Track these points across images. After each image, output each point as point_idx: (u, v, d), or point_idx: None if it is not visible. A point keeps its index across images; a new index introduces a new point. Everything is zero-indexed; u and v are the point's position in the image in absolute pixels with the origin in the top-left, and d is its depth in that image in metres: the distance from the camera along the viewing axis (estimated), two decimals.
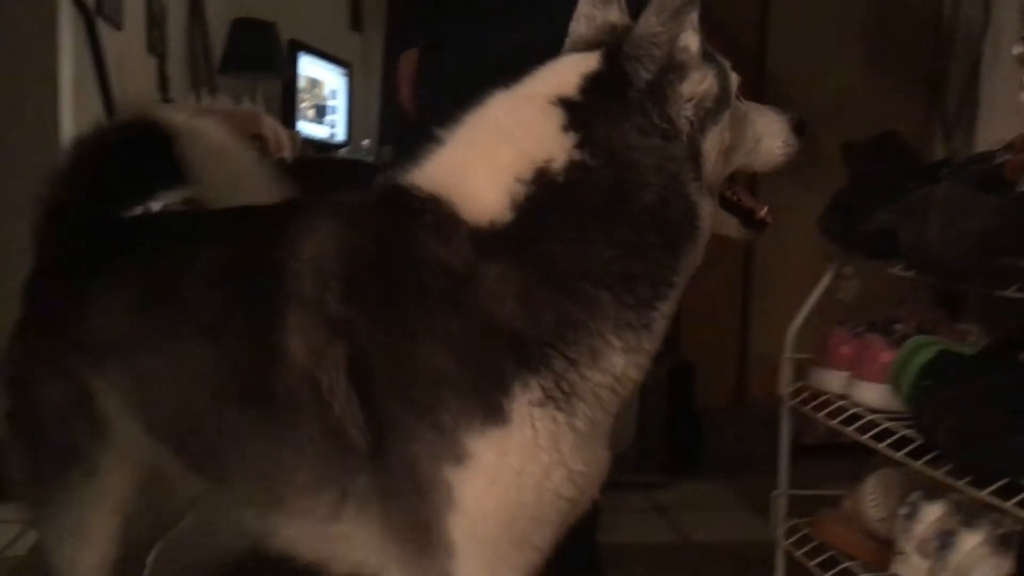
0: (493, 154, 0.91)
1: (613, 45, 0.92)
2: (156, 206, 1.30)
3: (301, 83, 4.48)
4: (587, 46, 0.96)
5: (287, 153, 3.80)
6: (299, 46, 4.44)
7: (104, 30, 2.87)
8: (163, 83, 3.51)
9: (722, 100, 0.93)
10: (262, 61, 4.23)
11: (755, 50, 2.49)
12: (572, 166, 0.87)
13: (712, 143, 0.92)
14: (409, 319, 0.86)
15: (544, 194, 0.87)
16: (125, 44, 3.21)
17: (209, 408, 0.96)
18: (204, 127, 1.15)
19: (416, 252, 0.87)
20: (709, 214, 0.93)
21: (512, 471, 0.84)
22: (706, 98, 0.91)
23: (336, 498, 0.89)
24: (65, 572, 1.09)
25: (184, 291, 1.00)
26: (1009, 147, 1.36)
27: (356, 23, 4.89)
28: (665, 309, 0.92)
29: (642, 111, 0.89)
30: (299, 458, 0.90)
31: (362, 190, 1.00)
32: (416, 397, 0.85)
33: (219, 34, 4.31)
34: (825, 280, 1.68)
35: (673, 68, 0.89)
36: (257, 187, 1.17)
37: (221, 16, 4.35)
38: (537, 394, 0.86)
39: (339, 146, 4.86)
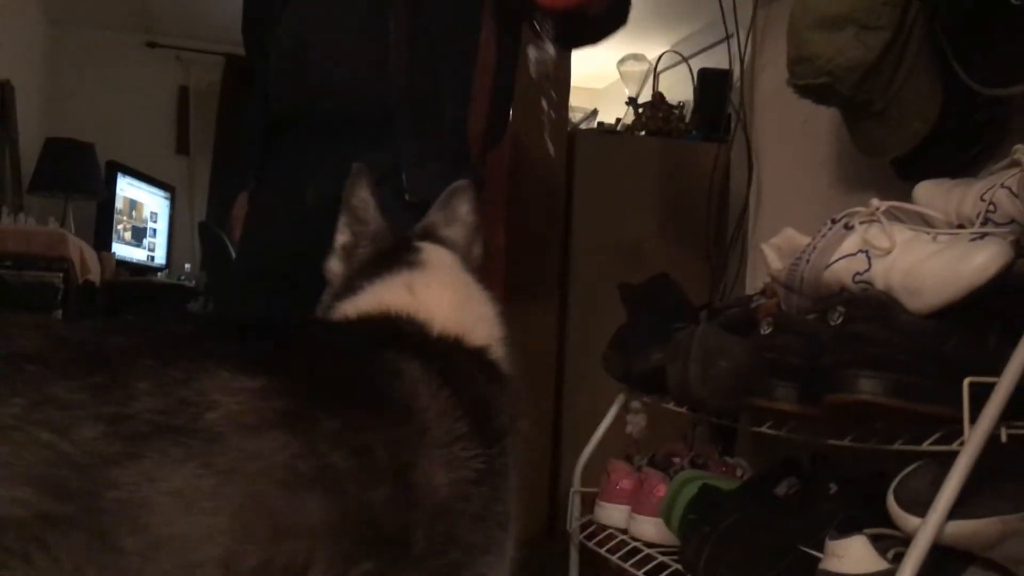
0: (483, 315, 1.04)
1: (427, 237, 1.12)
2: None
3: (119, 204, 4.36)
4: (375, 246, 1.11)
5: (94, 276, 3.64)
6: (118, 167, 4.35)
7: None
8: None
9: None
10: (76, 181, 4.10)
11: (564, 195, 2.62)
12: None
13: None
14: (503, 457, 0.92)
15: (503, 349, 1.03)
16: None
17: None
18: None
19: (498, 398, 0.96)
20: None
21: None
22: None
23: None
24: None
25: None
26: (763, 292, 1.47)
27: (182, 146, 4.84)
28: None
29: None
30: None
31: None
32: (496, 523, 0.89)
33: (32, 152, 4.16)
34: (611, 414, 1.73)
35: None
36: None
37: (35, 134, 4.22)
38: None
39: (158, 269, 4.71)
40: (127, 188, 4.43)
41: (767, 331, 1.23)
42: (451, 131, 1.49)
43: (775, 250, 1.31)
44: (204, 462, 0.72)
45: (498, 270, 2.62)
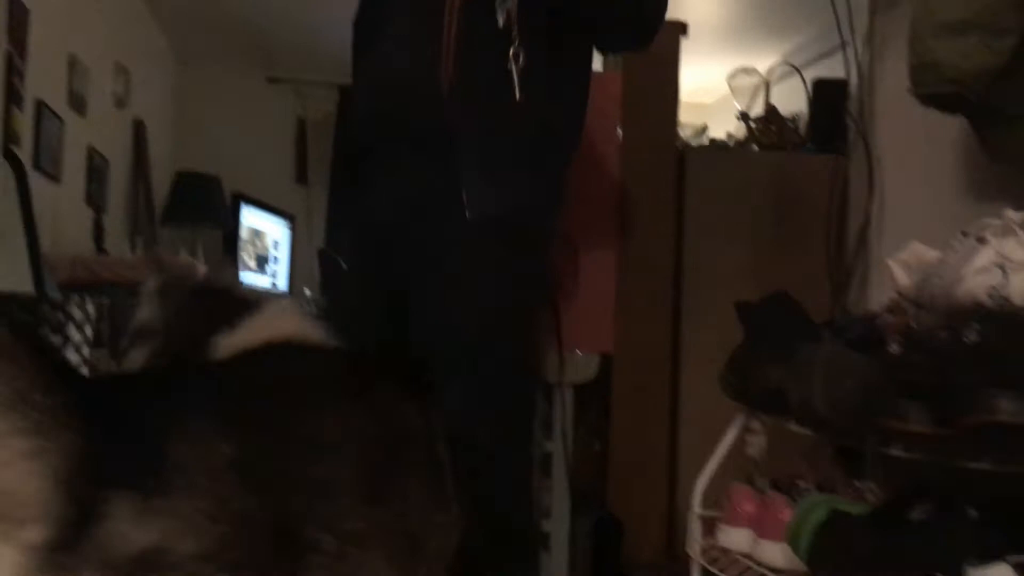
0: None
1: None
2: None
3: (243, 234, 4.54)
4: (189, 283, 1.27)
5: None
6: (242, 198, 4.54)
7: (40, 183, 2.91)
8: (98, 234, 3.53)
9: None
10: (204, 212, 4.30)
11: (674, 213, 2.59)
12: None
13: None
14: None
15: None
16: (62, 196, 3.25)
17: None
18: None
19: None
20: None
21: None
22: None
23: None
24: None
25: None
26: (889, 310, 1.41)
27: (301, 176, 5.01)
28: None
29: None
30: None
31: None
32: None
33: (163, 186, 4.39)
34: (730, 435, 1.69)
35: None
36: None
37: (165, 168, 4.45)
38: None
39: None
40: (251, 218, 4.61)
41: (896, 349, 1.18)
42: (512, 148, 1.51)
43: (902, 266, 1.26)
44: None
45: (609, 288, 2.61)
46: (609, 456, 2.59)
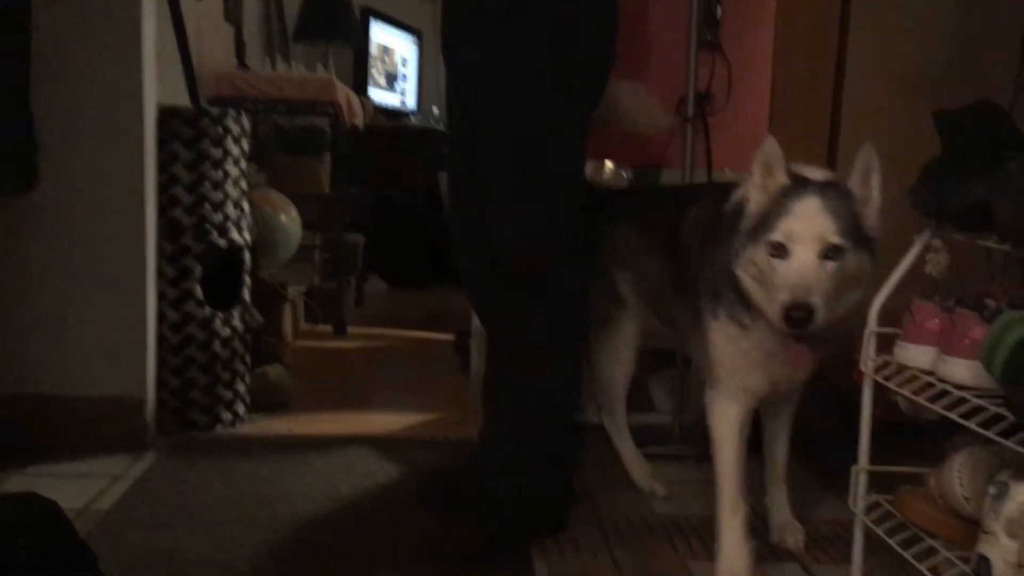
0: None
1: None
2: None
3: (373, 50, 4.51)
4: None
5: (359, 120, 3.83)
6: (371, 13, 4.47)
7: (185, 1, 2.92)
8: (239, 51, 3.56)
9: None
10: (335, 29, 4.27)
11: (839, 18, 2.43)
12: None
13: None
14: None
15: None
16: (204, 13, 3.26)
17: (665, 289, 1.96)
18: None
19: None
20: None
21: None
22: None
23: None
24: (608, 383, 2.20)
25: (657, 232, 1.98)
26: None
27: None
28: None
29: None
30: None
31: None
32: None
33: (293, 2, 4.36)
34: (912, 253, 1.63)
35: None
36: None
37: None
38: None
39: (409, 114, 4.89)
40: (380, 34, 4.56)
41: None
42: None
43: None
44: None
45: (763, 106, 2.50)
46: None
